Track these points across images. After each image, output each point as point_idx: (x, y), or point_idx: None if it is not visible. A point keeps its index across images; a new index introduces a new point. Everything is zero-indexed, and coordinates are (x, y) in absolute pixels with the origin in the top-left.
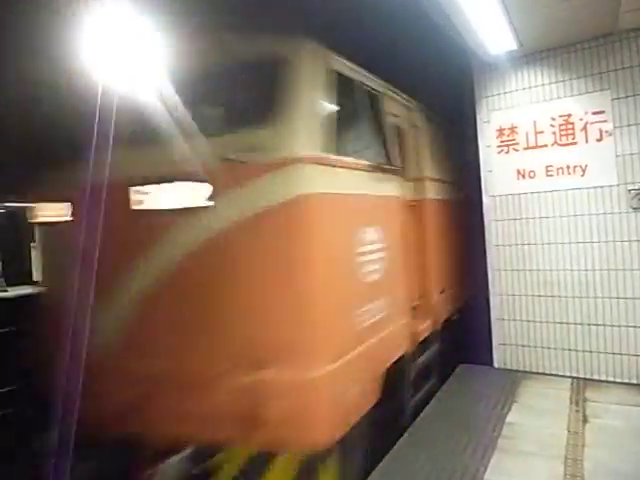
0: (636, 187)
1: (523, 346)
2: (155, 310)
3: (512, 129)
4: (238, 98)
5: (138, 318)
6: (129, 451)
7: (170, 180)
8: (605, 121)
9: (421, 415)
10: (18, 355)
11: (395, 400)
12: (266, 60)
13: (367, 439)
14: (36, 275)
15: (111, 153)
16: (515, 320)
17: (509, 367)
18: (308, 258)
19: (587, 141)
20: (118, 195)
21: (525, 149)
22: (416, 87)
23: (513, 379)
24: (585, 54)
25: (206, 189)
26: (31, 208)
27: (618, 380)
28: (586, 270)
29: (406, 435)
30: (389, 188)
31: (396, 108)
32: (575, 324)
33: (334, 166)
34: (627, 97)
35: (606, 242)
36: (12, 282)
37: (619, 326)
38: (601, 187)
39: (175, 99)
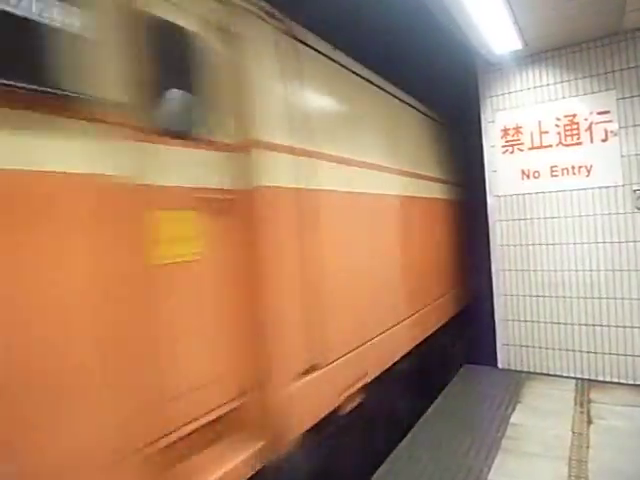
0: None
1: (527, 347)
2: None
3: (517, 129)
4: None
5: None
6: None
7: None
8: (610, 121)
9: (424, 415)
10: None
11: None
12: None
13: None
14: None
15: None
16: (519, 321)
17: (513, 368)
18: None
19: (592, 141)
20: None
21: (530, 149)
22: (420, 86)
23: (517, 380)
24: (590, 54)
25: None
26: None
27: (623, 381)
28: (591, 271)
29: (409, 435)
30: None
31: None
32: (580, 325)
33: None
34: (632, 97)
35: (611, 243)
36: None
37: (624, 327)
38: (606, 187)
39: None
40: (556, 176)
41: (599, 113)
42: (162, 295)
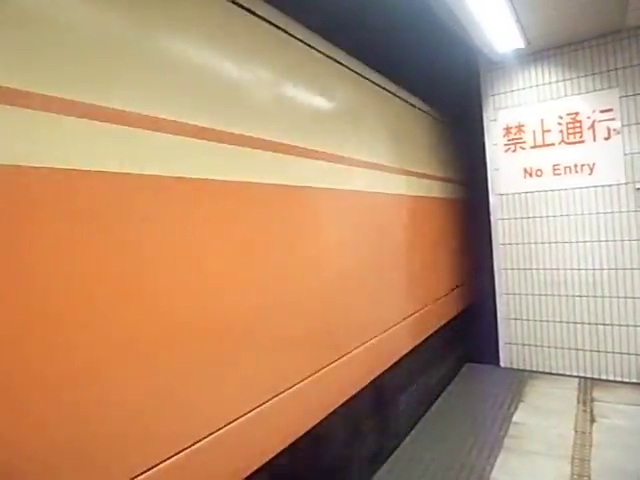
0: None
1: (530, 345)
2: None
3: (519, 127)
4: None
5: None
6: None
7: None
8: (613, 119)
9: (427, 414)
10: None
11: None
12: None
13: None
14: None
15: None
16: (522, 319)
17: (515, 366)
18: None
19: (595, 139)
20: None
21: (532, 147)
22: (422, 85)
23: (520, 378)
24: (593, 52)
25: None
26: None
27: (626, 380)
28: (593, 269)
29: (412, 433)
30: None
31: None
32: (582, 323)
33: None
34: (635, 95)
35: (614, 241)
36: None
37: (627, 325)
38: (609, 186)
39: None
40: (558, 174)
41: (602, 111)
42: None
